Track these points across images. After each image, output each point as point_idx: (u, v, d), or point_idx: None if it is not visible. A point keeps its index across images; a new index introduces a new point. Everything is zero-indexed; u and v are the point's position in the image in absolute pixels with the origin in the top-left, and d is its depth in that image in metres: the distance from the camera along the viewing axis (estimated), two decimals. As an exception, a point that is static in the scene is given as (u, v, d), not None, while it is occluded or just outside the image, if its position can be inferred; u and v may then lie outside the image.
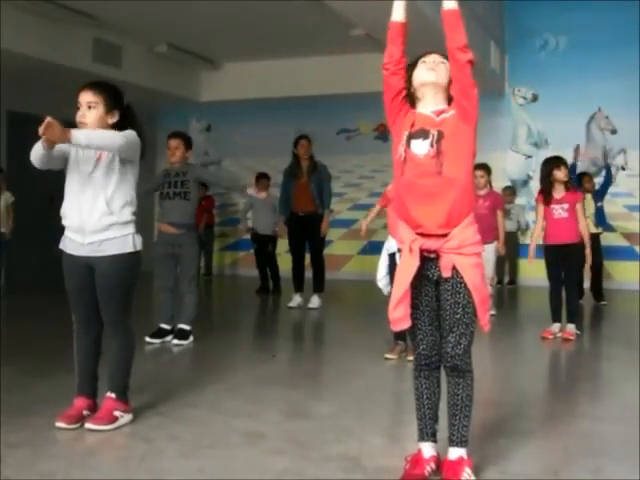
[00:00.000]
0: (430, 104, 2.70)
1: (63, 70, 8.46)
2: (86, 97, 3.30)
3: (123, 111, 3.39)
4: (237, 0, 7.82)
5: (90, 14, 8.20)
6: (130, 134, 3.31)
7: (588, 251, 5.96)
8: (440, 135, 2.61)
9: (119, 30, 8.98)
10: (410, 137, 2.65)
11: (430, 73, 2.68)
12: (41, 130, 3.01)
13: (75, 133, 3.09)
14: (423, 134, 2.63)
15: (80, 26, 8.47)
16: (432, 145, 2.61)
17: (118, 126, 3.35)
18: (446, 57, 2.68)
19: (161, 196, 5.61)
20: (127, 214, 3.35)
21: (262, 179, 9.51)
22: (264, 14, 8.37)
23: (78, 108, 3.31)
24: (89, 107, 3.30)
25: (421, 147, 2.63)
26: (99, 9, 8.05)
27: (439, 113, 2.67)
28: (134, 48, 9.58)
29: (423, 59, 2.73)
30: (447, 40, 2.62)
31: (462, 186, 2.62)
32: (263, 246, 9.26)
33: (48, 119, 3.00)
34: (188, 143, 5.68)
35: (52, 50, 8.28)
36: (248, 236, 9.87)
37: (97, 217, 3.28)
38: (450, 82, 2.68)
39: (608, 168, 8.94)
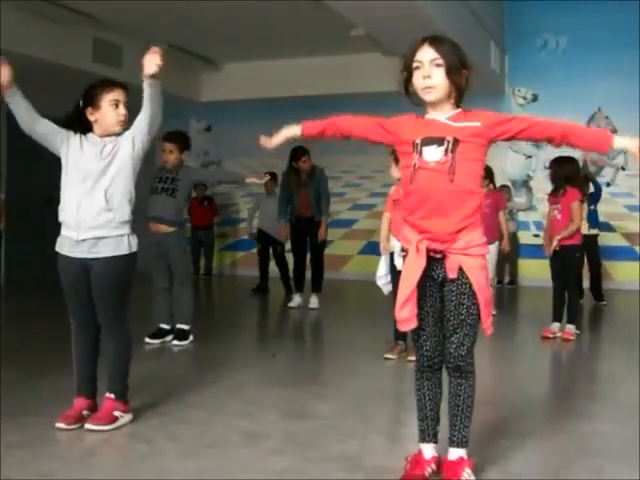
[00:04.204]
0: (440, 110, 2.61)
1: (63, 70, 8.46)
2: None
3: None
4: (237, 0, 7.82)
5: (90, 14, 8.19)
6: None
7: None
8: (456, 142, 2.54)
9: (119, 30, 8.97)
10: (423, 144, 2.57)
11: (427, 92, 2.56)
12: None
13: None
14: (437, 141, 2.55)
15: (80, 26, 8.46)
16: (446, 152, 2.54)
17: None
18: (442, 44, 2.55)
19: (150, 190, 5.58)
20: (126, 212, 3.33)
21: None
22: (264, 14, 8.37)
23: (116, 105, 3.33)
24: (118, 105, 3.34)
25: (434, 154, 2.55)
26: (99, 9, 8.04)
27: (457, 119, 2.59)
28: (134, 48, 9.54)
29: (417, 58, 2.57)
30: (570, 136, 2.59)
31: (472, 194, 2.59)
32: (267, 246, 9.21)
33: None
34: (183, 145, 5.63)
35: (52, 50, 8.27)
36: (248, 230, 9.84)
37: (95, 213, 3.26)
38: (450, 85, 2.56)
39: (595, 181, 8.67)
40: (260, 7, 8.03)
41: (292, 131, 2.82)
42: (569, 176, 5.96)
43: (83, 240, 3.28)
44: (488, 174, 6.77)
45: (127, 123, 3.36)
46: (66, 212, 3.32)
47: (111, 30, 8.91)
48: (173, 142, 5.61)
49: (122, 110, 3.34)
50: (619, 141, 2.59)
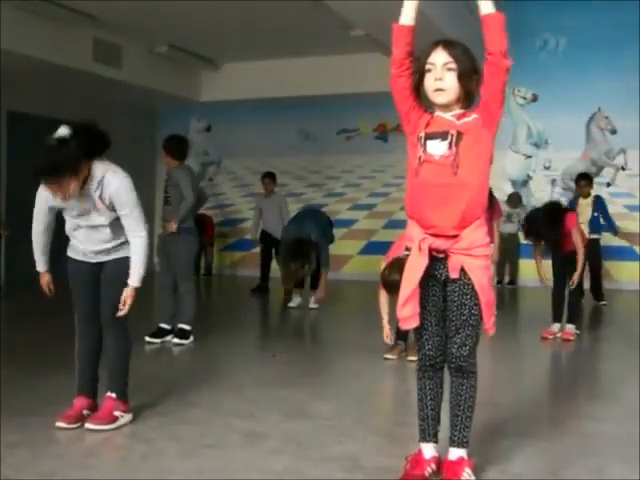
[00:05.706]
0: (447, 110, 2.62)
1: (63, 70, 8.46)
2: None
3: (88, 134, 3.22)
4: (237, 0, 7.82)
5: (90, 14, 8.20)
6: (131, 200, 3.28)
7: (580, 258, 5.91)
8: (459, 136, 2.56)
9: (119, 30, 8.98)
10: (427, 138, 2.60)
11: (438, 94, 2.57)
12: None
13: (138, 280, 3.31)
14: (441, 135, 2.58)
15: (80, 26, 8.46)
16: (450, 146, 2.56)
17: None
18: (455, 49, 2.58)
19: None
20: (123, 232, 3.39)
21: (267, 178, 9.19)
22: (264, 14, 8.37)
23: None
24: None
25: (438, 147, 2.58)
26: (99, 9, 8.04)
27: (460, 117, 2.61)
28: (134, 48, 9.57)
29: (430, 60, 2.59)
30: (488, 44, 2.54)
31: (476, 189, 2.60)
32: (270, 246, 9.12)
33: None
34: (165, 147, 5.74)
35: (52, 50, 8.27)
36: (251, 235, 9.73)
37: (101, 243, 3.37)
38: (461, 89, 2.58)
39: (600, 198, 8.51)
40: (260, 7, 8.03)
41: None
42: (552, 223, 5.78)
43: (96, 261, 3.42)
44: (490, 199, 6.70)
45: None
46: (73, 240, 3.43)
47: (111, 30, 8.91)
48: (163, 146, 5.82)
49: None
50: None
